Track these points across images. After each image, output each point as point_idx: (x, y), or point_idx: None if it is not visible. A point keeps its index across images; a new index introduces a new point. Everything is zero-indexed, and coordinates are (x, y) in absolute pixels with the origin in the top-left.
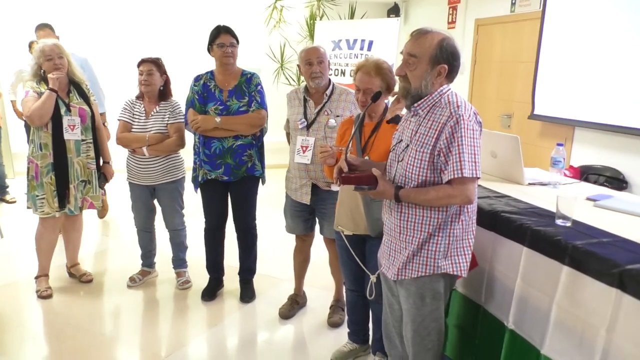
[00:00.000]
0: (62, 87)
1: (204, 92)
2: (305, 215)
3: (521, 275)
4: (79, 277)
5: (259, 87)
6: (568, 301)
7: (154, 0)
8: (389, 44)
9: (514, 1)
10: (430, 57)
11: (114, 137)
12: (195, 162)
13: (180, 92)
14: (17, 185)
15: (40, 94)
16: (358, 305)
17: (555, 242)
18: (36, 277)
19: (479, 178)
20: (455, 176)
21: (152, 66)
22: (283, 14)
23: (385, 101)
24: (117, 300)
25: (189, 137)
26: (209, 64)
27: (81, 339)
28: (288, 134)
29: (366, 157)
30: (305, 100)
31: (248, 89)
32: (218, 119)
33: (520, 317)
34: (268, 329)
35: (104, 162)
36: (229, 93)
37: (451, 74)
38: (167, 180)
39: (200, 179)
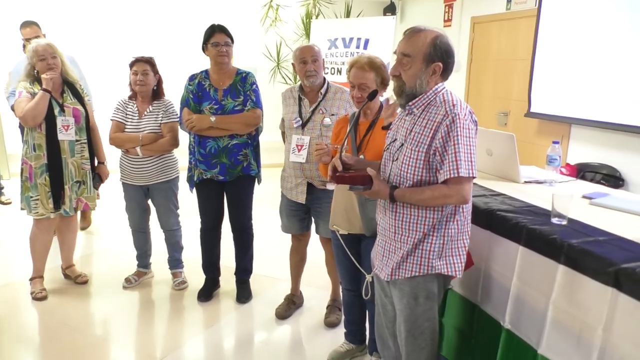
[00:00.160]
0: (55, 87)
1: (199, 92)
2: (300, 215)
3: (517, 274)
4: (74, 279)
5: (254, 86)
6: (564, 300)
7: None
8: (385, 42)
9: None
10: (424, 55)
11: (102, 136)
12: (190, 162)
13: (175, 92)
14: (13, 187)
15: (33, 95)
16: (354, 305)
17: (550, 241)
18: (31, 279)
19: (474, 177)
20: (452, 175)
21: (147, 66)
22: (279, 13)
23: (381, 99)
24: (112, 302)
25: (183, 137)
26: (205, 63)
27: (76, 341)
28: (283, 133)
29: (361, 156)
30: (300, 99)
31: (243, 88)
32: (213, 118)
33: (517, 317)
34: (265, 329)
35: (98, 163)
36: (224, 92)
37: (446, 72)
38: (161, 180)
39: (195, 179)
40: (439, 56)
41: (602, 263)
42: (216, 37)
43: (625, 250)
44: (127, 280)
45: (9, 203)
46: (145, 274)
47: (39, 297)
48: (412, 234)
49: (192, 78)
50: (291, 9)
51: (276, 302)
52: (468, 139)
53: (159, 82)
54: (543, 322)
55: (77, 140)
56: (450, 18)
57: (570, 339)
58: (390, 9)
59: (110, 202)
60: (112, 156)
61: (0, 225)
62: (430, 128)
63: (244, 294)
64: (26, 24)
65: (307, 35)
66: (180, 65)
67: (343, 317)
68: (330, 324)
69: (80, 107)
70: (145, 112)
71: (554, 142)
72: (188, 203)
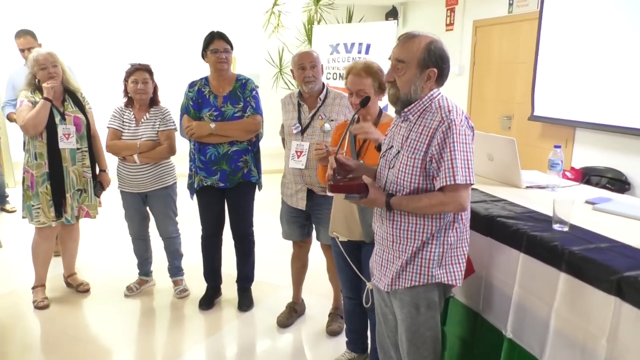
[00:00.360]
0: (57, 95)
1: (199, 98)
2: (301, 221)
3: (518, 282)
4: (76, 287)
5: (254, 92)
6: (567, 309)
7: (152, 7)
8: (387, 47)
9: (511, 2)
10: (419, 61)
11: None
12: (190, 169)
13: (175, 99)
14: (18, 195)
15: (34, 103)
16: (356, 313)
17: (551, 248)
18: (33, 288)
19: (472, 184)
20: (448, 183)
21: (147, 74)
22: (281, 19)
23: (383, 108)
24: (114, 310)
25: (182, 144)
26: (206, 70)
27: (78, 349)
28: (283, 140)
29: (361, 161)
30: (299, 105)
31: (243, 94)
32: (213, 125)
33: (519, 326)
34: (266, 338)
35: (100, 171)
36: (224, 99)
37: (441, 78)
38: (159, 187)
39: (196, 186)
40: (434, 62)
41: (604, 271)
42: (215, 43)
43: (628, 257)
44: (128, 288)
45: (14, 211)
46: (146, 281)
47: (40, 306)
48: (411, 242)
49: (191, 85)
50: (293, 15)
51: (278, 310)
52: (464, 145)
53: (155, 90)
54: (546, 331)
55: (78, 149)
56: (452, 22)
57: (574, 350)
58: (392, 14)
59: (111, 209)
60: (110, 164)
61: (5, 233)
62: (426, 135)
63: (245, 301)
64: (20, 34)
65: (309, 40)
66: (183, 72)
67: (345, 326)
68: (332, 333)
69: (81, 116)
70: (143, 120)
71: (556, 147)
72: (188, 210)
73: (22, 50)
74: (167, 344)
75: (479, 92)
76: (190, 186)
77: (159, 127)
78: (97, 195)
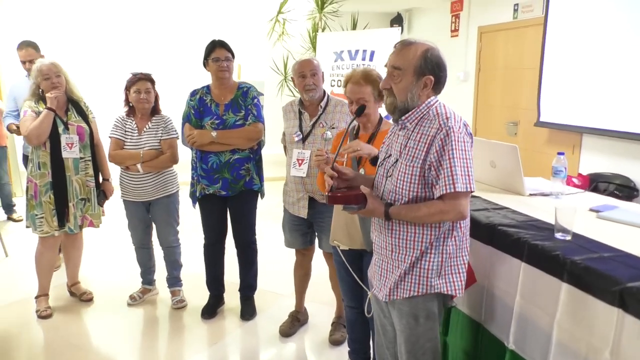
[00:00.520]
0: (60, 105)
1: (200, 107)
2: (303, 229)
3: (520, 292)
4: (79, 296)
5: (256, 100)
6: (569, 321)
7: (156, 16)
8: None
9: (516, 7)
10: (415, 68)
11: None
12: (192, 177)
13: (177, 107)
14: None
15: (38, 113)
16: (358, 323)
17: (553, 257)
18: (36, 297)
19: (472, 192)
20: (448, 191)
21: (149, 84)
22: (285, 27)
23: (385, 117)
24: (117, 319)
25: (184, 152)
26: (208, 78)
27: (81, 358)
28: (285, 147)
29: (361, 170)
30: (300, 113)
31: (244, 102)
32: (214, 133)
33: (521, 337)
34: (269, 347)
35: (103, 179)
36: (225, 107)
37: (438, 86)
38: (162, 195)
39: (198, 194)
40: (430, 69)
41: (606, 281)
42: (217, 52)
43: (631, 267)
44: (131, 297)
45: (21, 220)
46: (149, 290)
47: (43, 315)
48: (410, 252)
49: (193, 93)
50: (298, 22)
51: (281, 319)
52: (464, 152)
53: (156, 99)
54: (548, 343)
55: (81, 158)
56: (457, 28)
57: None
58: (397, 21)
59: (115, 218)
60: (113, 174)
61: (12, 242)
62: (424, 142)
63: (248, 310)
64: (22, 46)
65: (314, 48)
66: (186, 81)
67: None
68: (335, 342)
69: (84, 125)
70: (145, 129)
71: (559, 154)
72: (190, 219)
73: (23, 62)
74: (169, 353)
75: (484, 98)
76: (192, 194)
77: (161, 136)
78: (101, 204)
